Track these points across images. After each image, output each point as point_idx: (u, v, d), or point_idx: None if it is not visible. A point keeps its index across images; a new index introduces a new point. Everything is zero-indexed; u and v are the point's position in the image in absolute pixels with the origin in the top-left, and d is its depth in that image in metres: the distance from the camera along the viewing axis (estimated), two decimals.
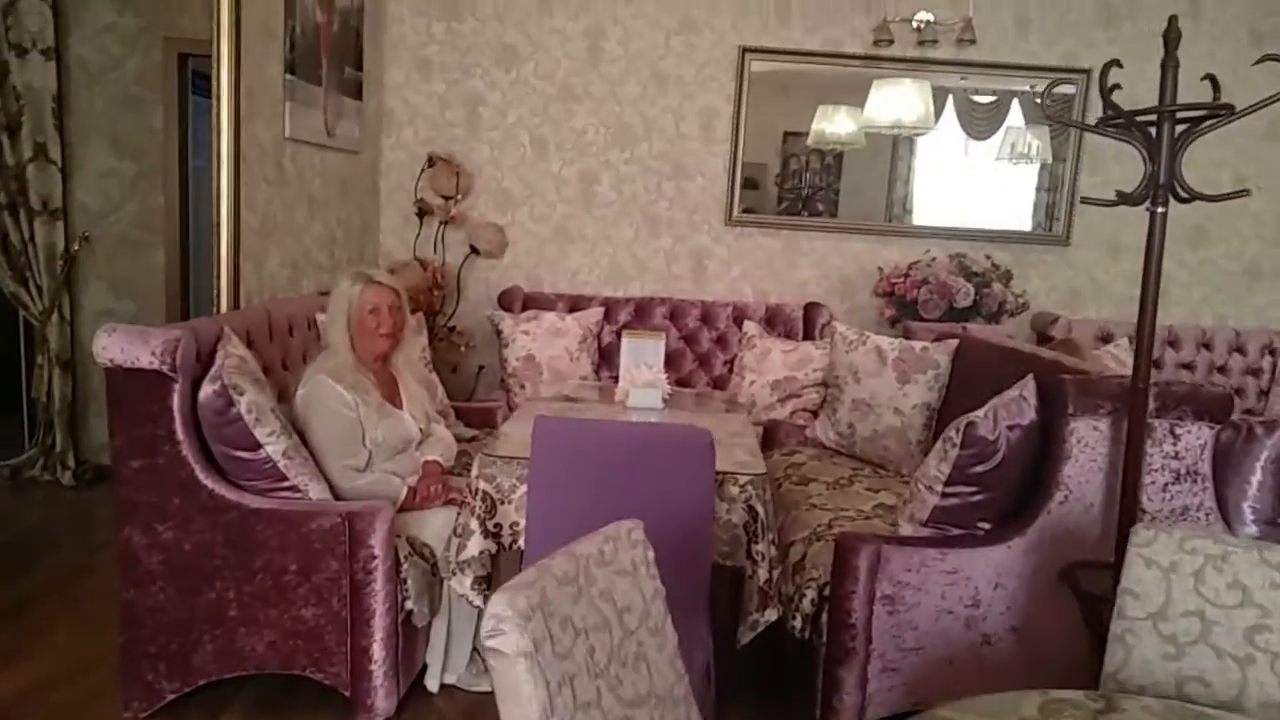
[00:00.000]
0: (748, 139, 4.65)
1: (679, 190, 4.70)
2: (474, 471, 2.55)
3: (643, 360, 3.36)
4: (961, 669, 2.49)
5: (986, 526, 2.52)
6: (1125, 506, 2.29)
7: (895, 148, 4.74)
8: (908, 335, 3.93)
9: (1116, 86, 2.24)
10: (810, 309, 4.52)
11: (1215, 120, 2.07)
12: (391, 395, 2.89)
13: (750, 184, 4.73)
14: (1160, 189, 2.15)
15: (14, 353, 4.58)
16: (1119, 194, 2.21)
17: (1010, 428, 2.46)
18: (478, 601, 2.55)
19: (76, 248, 4.38)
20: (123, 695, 2.53)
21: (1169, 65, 2.13)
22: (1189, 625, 1.56)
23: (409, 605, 2.55)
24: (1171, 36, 2.11)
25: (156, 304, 4.46)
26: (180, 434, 2.42)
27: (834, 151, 4.73)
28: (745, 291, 4.77)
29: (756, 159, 4.71)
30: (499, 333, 4.25)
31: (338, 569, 2.47)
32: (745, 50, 4.56)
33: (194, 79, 4.39)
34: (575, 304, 4.51)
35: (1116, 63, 2.12)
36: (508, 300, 4.49)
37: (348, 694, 2.51)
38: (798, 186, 4.77)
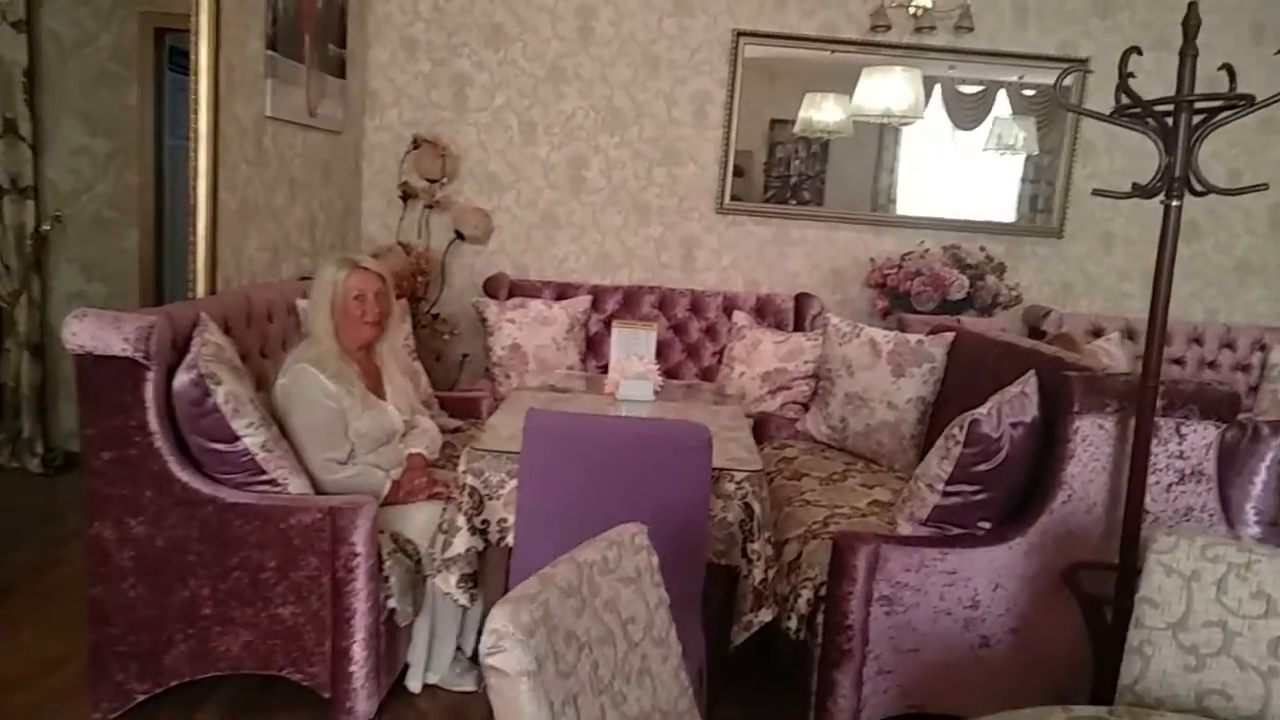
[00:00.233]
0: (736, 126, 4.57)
1: (670, 176, 4.60)
2: (461, 465, 2.46)
3: (633, 351, 3.28)
4: (959, 672, 2.44)
5: (987, 526, 2.46)
6: (1131, 507, 2.24)
7: (881, 137, 4.67)
8: (902, 327, 3.87)
9: (1131, 75, 2.17)
10: (801, 300, 4.45)
11: (1234, 111, 2.01)
12: (375, 385, 2.79)
13: (737, 172, 4.65)
14: (1176, 181, 2.08)
15: None
16: (1135, 186, 2.14)
17: (1013, 425, 2.40)
18: (463, 600, 2.46)
19: (47, 228, 4.23)
20: (91, 696, 2.43)
21: (1187, 54, 2.06)
22: (1210, 636, 1.50)
23: (391, 604, 2.47)
24: (1191, 24, 2.03)
25: (129, 287, 4.32)
26: (154, 425, 2.31)
27: (821, 140, 4.65)
28: (735, 281, 4.69)
29: (744, 146, 4.62)
30: (484, 321, 4.15)
31: (318, 566, 2.37)
32: (740, 34, 4.46)
33: (171, 55, 4.25)
34: (562, 292, 4.42)
35: (1136, 49, 2.05)
36: (493, 287, 4.39)
37: (327, 696, 2.42)
38: (785, 175, 4.69)
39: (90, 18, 4.20)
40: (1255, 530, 2.45)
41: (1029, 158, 4.71)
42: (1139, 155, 4.63)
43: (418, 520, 2.65)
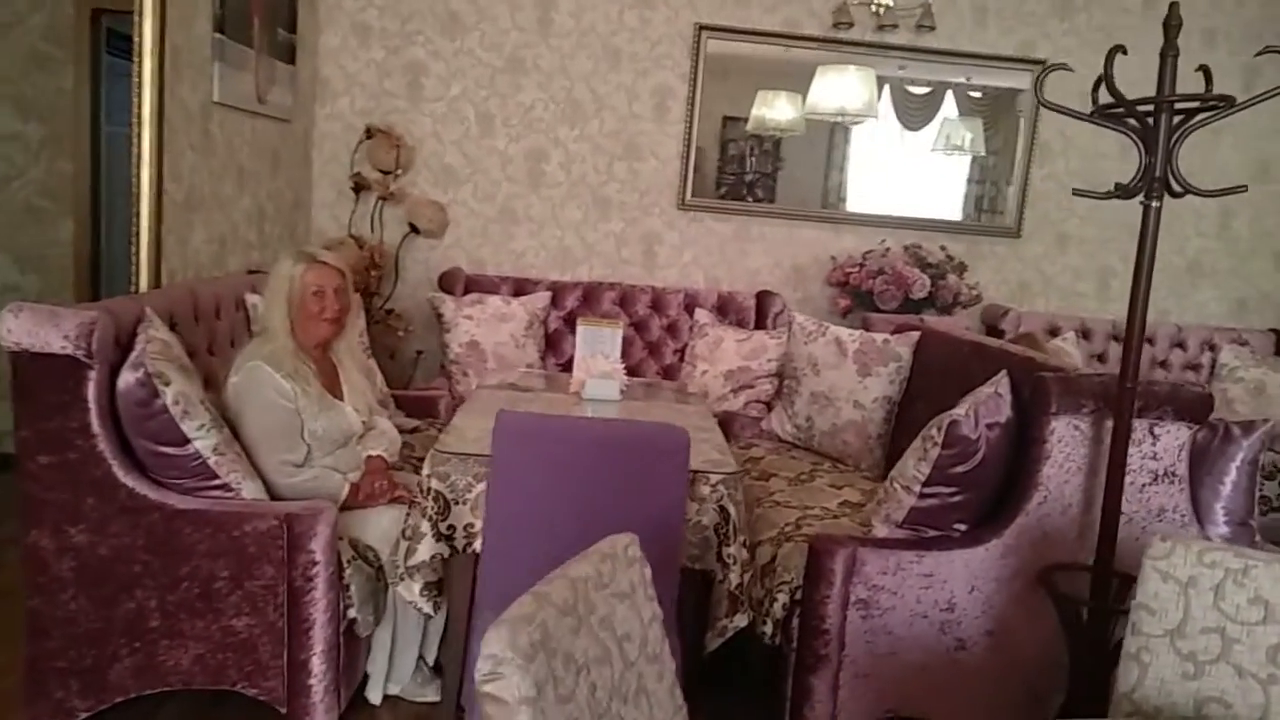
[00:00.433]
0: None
1: (630, 171, 4.52)
2: (425, 469, 2.35)
3: (598, 349, 3.20)
4: (935, 675, 2.41)
5: (963, 528, 2.44)
6: (1108, 508, 2.23)
7: (832, 136, 4.66)
8: (866, 326, 3.85)
9: (1110, 76, 2.15)
10: (763, 297, 4.41)
11: (1215, 112, 2.00)
12: (332, 385, 2.67)
13: None
14: (1156, 182, 2.07)
15: None
16: (1117, 186, 2.12)
17: (989, 426, 2.38)
18: (427, 609, 2.36)
19: None
20: (28, 713, 2.28)
21: (1168, 54, 2.04)
22: (1208, 643, 1.48)
23: (352, 614, 2.36)
24: (1172, 24, 2.02)
25: (63, 280, 4.11)
26: (96, 427, 2.17)
27: (773, 138, 4.62)
28: (696, 278, 4.63)
29: (698, 143, 4.56)
30: (440, 317, 4.04)
31: (274, 575, 2.25)
32: (702, 28, 4.40)
33: (109, 37, 4.05)
34: (520, 288, 4.32)
35: (1121, 49, 2.03)
36: (449, 282, 4.27)
37: (284, 710, 2.31)
38: (738, 172, 4.64)
39: None
40: (1224, 530, 2.46)
41: (975, 158, 4.74)
42: (1093, 157, 4.70)
43: (378, 525, 2.54)
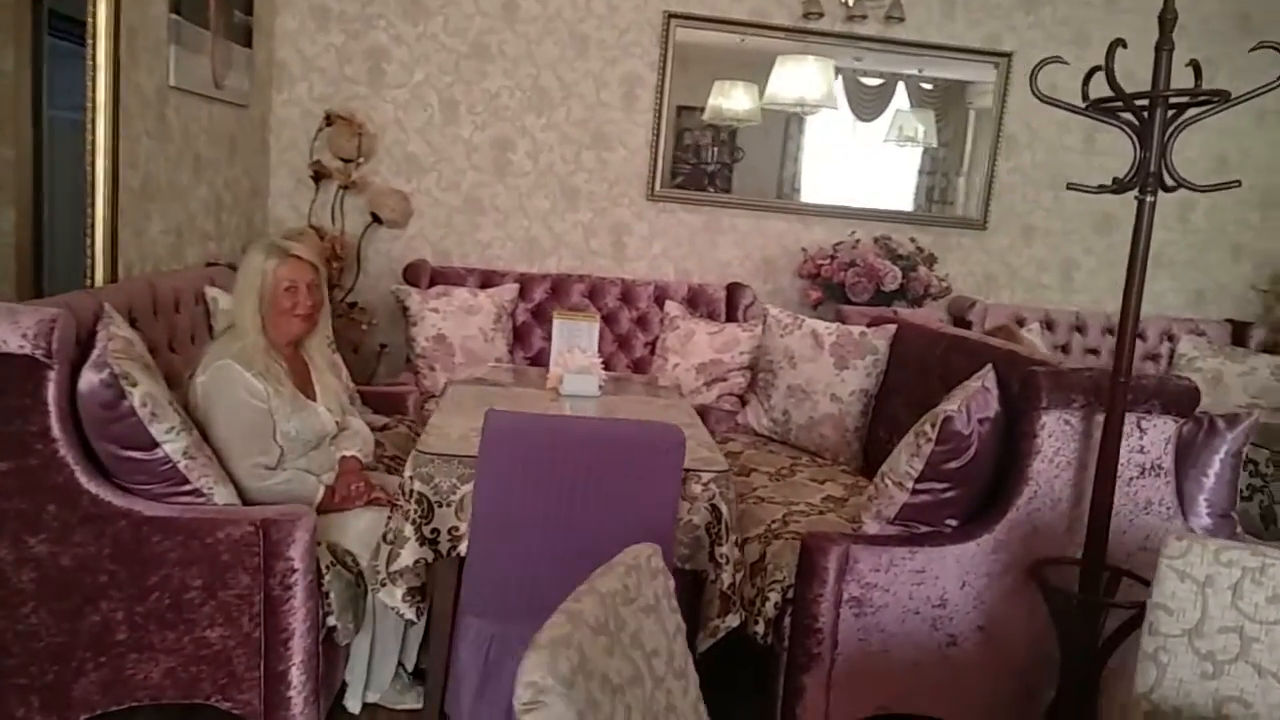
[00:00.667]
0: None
1: (599, 161, 4.45)
2: (408, 471, 2.27)
3: (575, 343, 3.13)
4: (927, 671, 2.40)
5: (954, 523, 2.42)
6: (1099, 501, 2.22)
7: (787, 126, 4.64)
8: (841, 319, 3.83)
9: (1095, 69, 2.14)
10: (733, 290, 4.37)
11: (1210, 106, 2.00)
12: (304, 384, 2.57)
13: None
14: (1151, 177, 2.06)
15: None
16: (1115, 180, 2.11)
17: (980, 421, 2.37)
18: (410, 615, 2.28)
19: None
20: None
21: (1163, 48, 2.04)
22: (1227, 642, 1.47)
23: (331, 621, 2.27)
24: (1168, 18, 2.01)
25: (3, 273, 3.90)
26: (56, 430, 2.04)
27: (730, 128, 4.58)
28: (666, 269, 4.58)
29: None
30: (406, 310, 3.93)
31: (250, 584, 2.15)
32: (671, 15, 4.34)
33: (51, 18, 3.84)
34: (487, 279, 4.22)
35: (1121, 42, 2.01)
36: (413, 274, 4.15)
37: None
38: (695, 162, 4.59)
39: None
40: (1207, 522, 2.48)
41: (926, 150, 4.77)
42: (1058, 150, 4.75)
43: (356, 528, 2.45)
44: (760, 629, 2.41)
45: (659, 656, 1.20)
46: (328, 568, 2.27)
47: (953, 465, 2.32)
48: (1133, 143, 2.11)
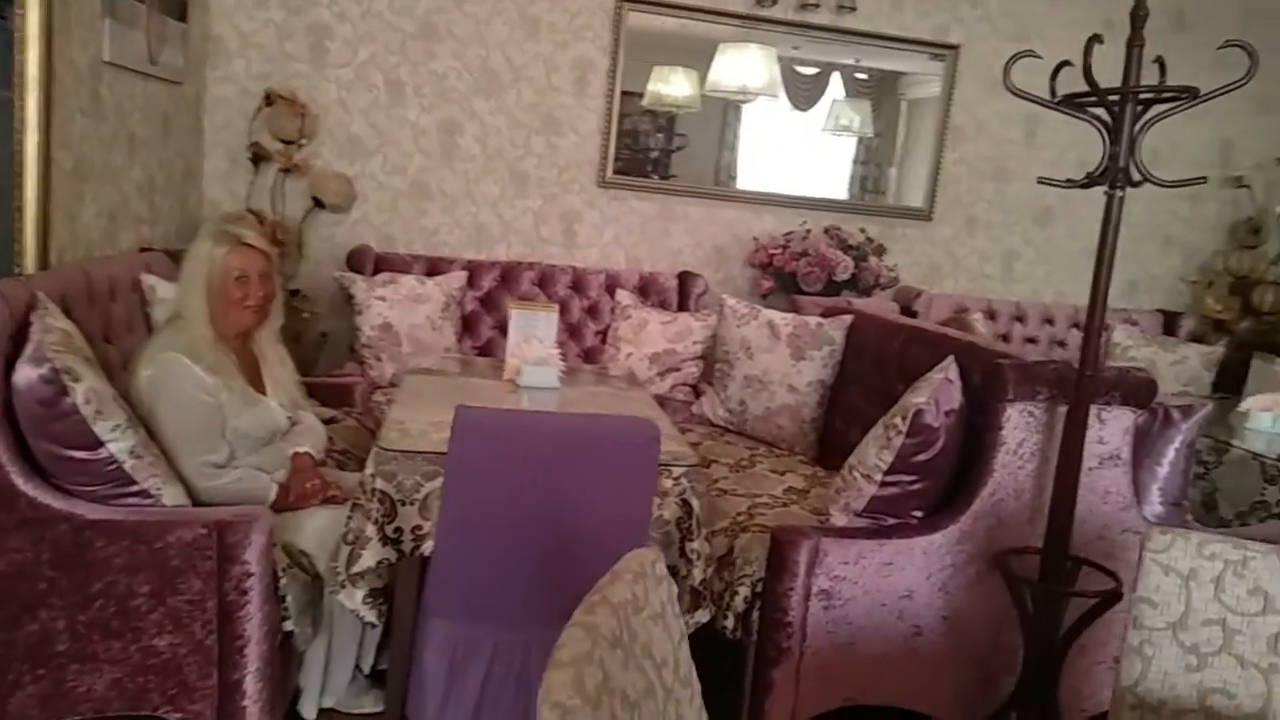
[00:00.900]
0: None
1: (549, 146, 4.36)
2: (369, 469, 2.18)
3: (533, 334, 3.06)
4: (893, 662, 2.41)
5: (920, 515, 2.44)
6: (1062, 492, 2.25)
7: (725, 113, 4.63)
8: (795, 309, 3.83)
9: (1064, 64, 2.16)
10: (685, 278, 4.34)
11: (1180, 102, 2.02)
12: (253, 378, 2.45)
13: None
14: (1120, 172, 2.09)
15: None
16: (1088, 175, 2.13)
17: (946, 413, 2.38)
18: (371, 618, 2.19)
19: None
20: None
21: (1134, 44, 2.06)
22: (1210, 634, 1.49)
23: (289, 626, 2.18)
24: (1139, 15, 2.03)
25: None
26: None
27: (668, 114, 4.55)
28: (617, 257, 4.52)
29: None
30: (351, 298, 3.80)
31: (202, 589, 2.05)
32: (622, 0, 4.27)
33: None
34: (434, 267, 4.11)
35: (1098, 38, 2.03)
36: (357, 261, 4.02)
37: None
38: (634, 148, 4.54)
39: None
40: (1159, 510, 2.55)
41: (861, 140, 4.80)
42: (1002, 142, 4.82)
43: (311, 527, 2.35)
44: (730, 623, 2.40)
45: (667, 666, 1.16)
46: (284, 570, 2.18)
47: (921, 458, 2.33)
48: (1103, 138, 2.13)
